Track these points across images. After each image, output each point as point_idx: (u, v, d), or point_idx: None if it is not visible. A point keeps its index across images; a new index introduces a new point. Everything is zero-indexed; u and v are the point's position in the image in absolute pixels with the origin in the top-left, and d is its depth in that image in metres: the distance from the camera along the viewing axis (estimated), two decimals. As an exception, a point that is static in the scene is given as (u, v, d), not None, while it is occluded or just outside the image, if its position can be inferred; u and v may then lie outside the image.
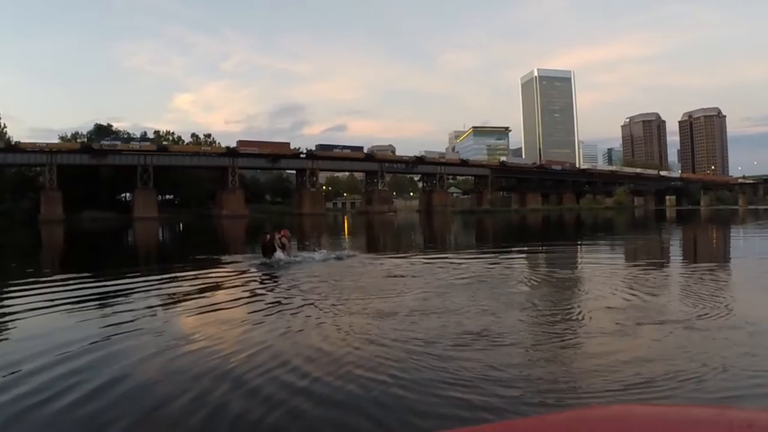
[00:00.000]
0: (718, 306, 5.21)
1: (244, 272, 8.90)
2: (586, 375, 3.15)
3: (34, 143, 67.01)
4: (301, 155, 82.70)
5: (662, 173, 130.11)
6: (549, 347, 3.82)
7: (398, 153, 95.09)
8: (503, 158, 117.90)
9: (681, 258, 12.65)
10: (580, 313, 5.04)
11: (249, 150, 77.47)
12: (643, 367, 3.26)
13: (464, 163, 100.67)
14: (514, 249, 14.62)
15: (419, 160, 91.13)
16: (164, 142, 78.66)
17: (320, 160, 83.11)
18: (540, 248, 14.92)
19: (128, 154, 71.51)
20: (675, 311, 5.02)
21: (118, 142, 72.73)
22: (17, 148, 65.55)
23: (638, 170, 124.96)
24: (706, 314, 4.79)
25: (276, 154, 79.04)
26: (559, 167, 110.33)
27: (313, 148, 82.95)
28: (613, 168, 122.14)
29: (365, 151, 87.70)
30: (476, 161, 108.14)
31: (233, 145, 78.98)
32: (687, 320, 4.56)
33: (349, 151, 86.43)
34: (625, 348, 3.74)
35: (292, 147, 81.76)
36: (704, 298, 5.67)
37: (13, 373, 3.44)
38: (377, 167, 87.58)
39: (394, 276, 8.01)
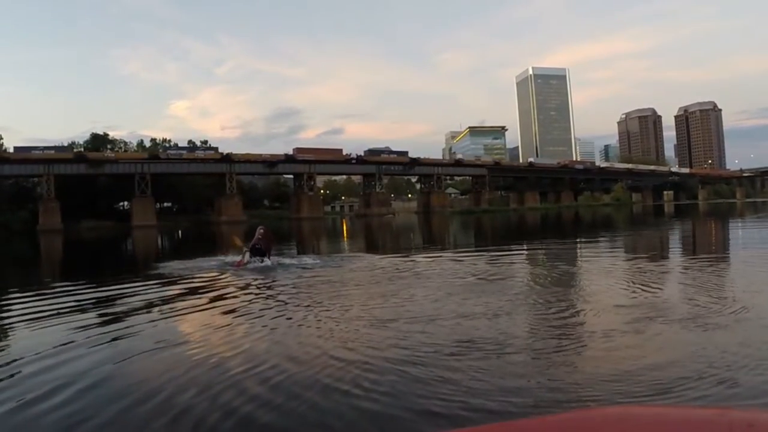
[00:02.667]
0: (727, 299, 5.10)
1: (236, 276, 8.73)
2: (603, 382, 2.96)
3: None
4: (352, 161, 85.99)
5: (672, 169, 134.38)
6: (560, 351, 3.67)
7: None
8: (531, 159, 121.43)
9: (684, 252, 12.55)
10: (588, 312, 4.89)
11: (306, 157, 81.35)
12: (664, 370, 3.09)
13: (497, 164, 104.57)
14: (515, 248, 14.52)
15: (458, 162, 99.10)
16: (228, 152, 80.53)
17: (318, 164, 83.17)
18: (541, 246, 14.81)
19: (125, 163, 71.64)
20: (685, 307, 4.90)
21: (184, 152, 74.37)
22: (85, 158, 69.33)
23: (652, 167, 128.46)
24: (716, 309, 4.67)
25: (326, 161, 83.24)
26: (581, 166, 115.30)
27: (362, 154, 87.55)
28: (630, 166, 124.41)
29: (362, 154, 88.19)
30: (508, 164, 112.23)
31: (229, 151, 79.55)
32: (699, 316, 4.43)
33: (395, 156, 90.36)
34: (640, 350, 3.57)
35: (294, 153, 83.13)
36: (712, 292, 5.55)
37: None
38: (375, 170, 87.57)
39: (394, 277, 7.87)
